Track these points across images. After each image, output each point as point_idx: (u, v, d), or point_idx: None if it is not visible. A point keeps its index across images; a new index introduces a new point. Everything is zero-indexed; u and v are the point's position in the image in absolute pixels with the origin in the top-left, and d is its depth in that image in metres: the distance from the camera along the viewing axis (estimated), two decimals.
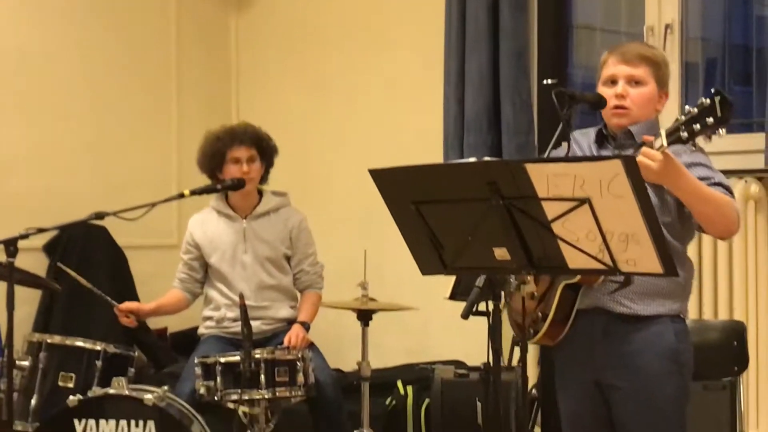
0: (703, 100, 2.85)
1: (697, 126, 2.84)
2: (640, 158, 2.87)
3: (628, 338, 3.22)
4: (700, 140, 2.91)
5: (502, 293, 3.00)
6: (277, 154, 4.96)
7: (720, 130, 2.85)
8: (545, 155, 3.18)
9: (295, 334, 4.66)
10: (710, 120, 2.82)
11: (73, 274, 4.62)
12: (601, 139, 3.35)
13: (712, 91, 2.85)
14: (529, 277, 3.02)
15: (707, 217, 3.08)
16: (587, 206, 2.73)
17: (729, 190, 3.14)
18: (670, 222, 3.18)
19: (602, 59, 3.39)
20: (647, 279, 3.14)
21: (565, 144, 3.30)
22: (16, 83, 5.78)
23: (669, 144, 2.89)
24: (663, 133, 2.91)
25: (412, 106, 6.04)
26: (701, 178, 3.08)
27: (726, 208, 3.07)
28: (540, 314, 3.25)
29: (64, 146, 5.96)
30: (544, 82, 3.69)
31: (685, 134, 2.86)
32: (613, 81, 3.30)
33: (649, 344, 3.20)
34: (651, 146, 2.92)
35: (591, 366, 3.27)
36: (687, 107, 2.88)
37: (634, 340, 3.21)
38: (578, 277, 3.16)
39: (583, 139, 3.38)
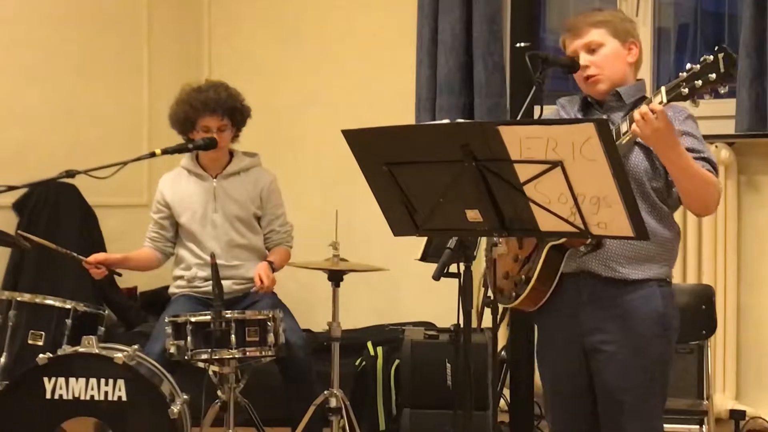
0: (706, 56, 2.83)
1: (699, 82, 2.83)
2: (637, 118, 2.87)
3: (616, 302, 3.21)
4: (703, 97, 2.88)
5: (490, 255, 3.00)
6: (250, 117, 4.93)
7: (722, 86, 2.83)
8: (517, 118, 3.18)
9: (265, 274, 4.66)
10: (712, 76, 2.81)
11: (34, 238, 4.60)
12: (587, 106, 3.34)
13: (716, 47, 2.83)
14: (500, 240, 3.02)
15: (689, 194, 3.08)
16: (559, 169, 2.73)
17: (715, 167, 3.13)
18: (660, 187, 3.17)
19: (560, 42, 3.39)
20: (635, 243, 3.14)
21: (554, 107, 3.30)
22: None
23: (669, 101, 2.88)
24: (663, 89, 2.90)
25: (384, 67, 6.03)
26: (689, 149, 3.06)
27: (710, 187, 3.06)
28: (523, 277, 3.25)
29: (34, 106, 5.92)
30: (517, 45, 3.70)
31: (686, 90, 2.84)
32: (576, 57, 3.29)
33: (636, 308, 3.20)
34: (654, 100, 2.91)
35: (577, 330, 3.26)
36: (689, 64, 2.86)
37: (622, 303, 3.21)
38: (564, 238, 3.16)
39: (569, 105, 3.37)
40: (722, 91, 2.84)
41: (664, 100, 2.88)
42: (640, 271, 3.21)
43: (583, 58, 3.27)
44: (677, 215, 4.91)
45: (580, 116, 3.32)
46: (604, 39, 3.27)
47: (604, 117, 3.17)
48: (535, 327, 3.47)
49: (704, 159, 3.10)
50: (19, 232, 4.75)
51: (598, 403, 3.29)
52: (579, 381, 3.30)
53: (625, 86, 3.27)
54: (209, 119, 4.76)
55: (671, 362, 3.29)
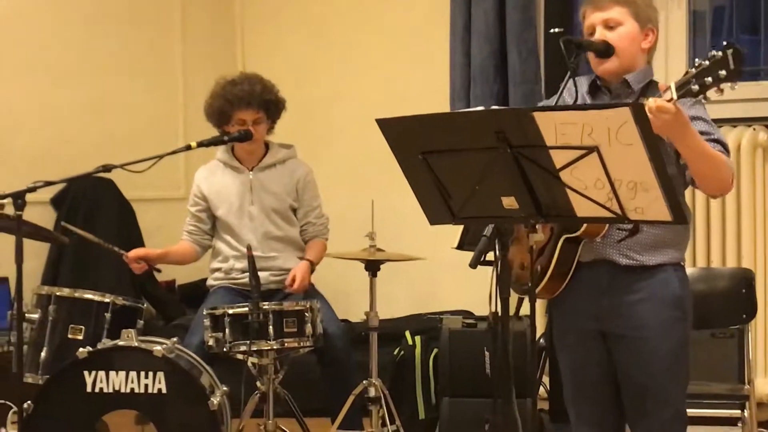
0: (715, 52, 2.81)
1: (709, 79, 2.81)
2: (651, 107, 2.85)
3: (634, 287, 3.22)
4: (710, 93, 2.87)
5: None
6: (285, 109, 4.93)
7: (732, 83, 2.82)
8: (553, 104, 3.16)
9: (300, 276, 4.68)
10: (722, 73, 2.79)
11: (77, 230, 4.63)
12: (595, 90, 3.32)
13: (724, 43, 2.81)
14: (538, 226, 3.01)
15: (704, 175, 3.07)
16: (595, 154, 2.72)
17: (726, 148, 3.13)
18: (675, 173, 3.15)
19: (581, 14, 3.36)
20: (651, 229, 3.15)
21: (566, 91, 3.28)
22: (21, 41, 5.76)
23: (679, 97, 2.87)
24: (673, 86, 2.88)
25: (418, 56, 6.02)
26: (700, 133, 3.06)
27: (723, 167, 3.06)
28: (539, 267, 3.25)
29: (71, 100, 5.95)
30: (551, 30, 3.68)
31: (696, 87, 2.83)
32: (591, 32, 3.27)
33: (654, 293, 3.21)
34: (665, 95, 2.90)
35: (595, 317, 3.26)
36: (697, 60, 2.85)
37: (640, 289, 3.21)
38: (581, 230, 3.15)
39: (574, 89, 3.34)
40: (732, 88, 2.82)
41: (675, 97, 2.86)
42: (656, 257, 3.21)
43: (600, 32, 3.24)
44: (718, 199, 4.90)
45: (587, 99, 3.30)
46: (624, 18, 3.24)
47: (642, 102, 3.15)
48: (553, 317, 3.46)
49: (715, 140, 3.10)
50: (63, 223, 4.76)
51: (621, 390, 3.29)
52: (600, 369, 3.29)
53: (634, 72, 3.25)
54: (244, 112, 4.77)
55: (689, 345, 3.28)
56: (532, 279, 3.14)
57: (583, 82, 3.34)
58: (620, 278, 3.22)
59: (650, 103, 2.88)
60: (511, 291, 3.07)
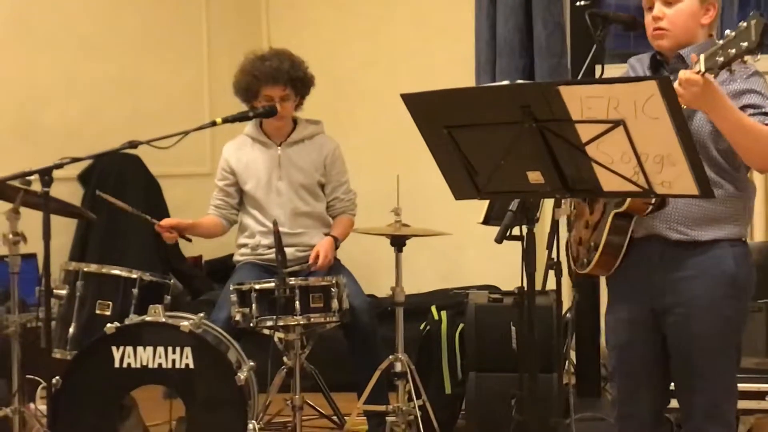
0: (742, 23, 2.78)
1: (732, 51, 2.77)
2: (681, 78, 2.82)
3: (686, 264, 3.17)
4: (736, 65, 2.83)
5: (565, 218, 2.96)
6: (314, 85, 4.92)
7: (753, 55, 2.78)
8: (579, 77, 3.15)
9: (323, 253, 4.69)
10: (744, 44, 2.75)
11: (111, 199, 4.63)
12: (656, 64, 3.28)
13: (750, 13, 2.79)
14: (564, 201, 3.00)
15: (745, 149, 3.01)
16: (622, 128, 2.71)
17: None
18: (726, 148, 3.09)
19: None
20: (702, 203, 3.10)
21: (616, 66, 3.22)
22: (48, 19, 5.78)
23: (706, 69, 2.83)
24: (702, 58, 2.84)
25: (443, 30, 6.00)
26: (751, 106, 3.02)
27: (766, 141, 2.99)
28: (593, 243, 3.22)
29: (97, 78, 5.97)
30: (577, 3, 3.66)
31: (721, 59, 2.79)
32: (650, 6, 3.21)
33: (707, 269, 3.16)
34: (694, 68, 2.86)
35: (648, 293, 3.22)
36: (727, 31, 2.82)
37: (692, 265, 3.17)
38: (625, 205, 3.12)
39: (638, 65, 3.31)
40: (756, 60, 2.78)
41: (703, 69, 2.82)
42: (710, 232, 3.16)
43: (658, 8, 3.18)
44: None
45: (648, 74, 3.26)
46: None
47: (669, 76, 3.11)
48: (606, 291, 3.44)
49: (766, 113, 3.04)
50: (98, 192, 4.76)
51: (672, 366, 3.25)
52: (646, 348, 3.26)
53: (690, 47, 3.17)
54: (272, 89, 4.76)
55: (744, 323, 3.25)
56: (557, 253, 3.13)
57: (645, 59, 3.30)
58: (672, 254, 3.18)
59: (681, 75, 2.85)
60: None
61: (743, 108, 3.02)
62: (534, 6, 5.45)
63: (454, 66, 5.78)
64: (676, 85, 2.83)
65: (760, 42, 2.74)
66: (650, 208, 3.12)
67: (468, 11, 5.70)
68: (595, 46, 3.17)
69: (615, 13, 3.26)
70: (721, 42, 2.81)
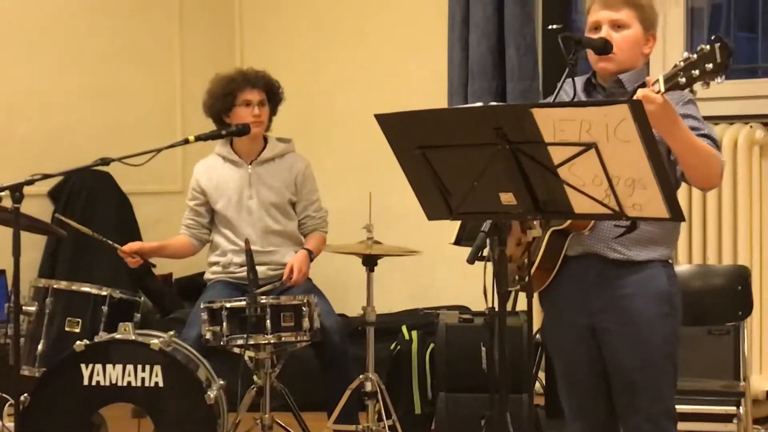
0: (703, 46, 2.83)
1: (696, 72, 2.81)
2: (638, 96, 2.86)
3: (622, 282, 3.23)
4: (697, 86, 2.88)
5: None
6: (282, 100, 4.97)
7: (719, 77, 2.82)
8: (551, 100, 3.17)
9: (298, 268, 4.69)
10: (709, 66, 2.79)
11: (73, 223, 4.63)
12: (590, 88, 3.34)
13: (712, 37, 2.83)
14: (535, 222, 3.02)
15: (694, 168, 3.07)
16: (593, 151, 2.72)
17: (716, 143, 3.13)
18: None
19: (587, 5, 3.37)
20: (642, 226, 3.16)
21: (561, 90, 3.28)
22: (21, 31, 5.76)
23: (666, 90, 2.88)
24: (661, 78, 2.89)
25: (416, 51, 6.02)
26: (691, 128, 3.07)
27: (713, 160, 3.06)
28: (526, 261, 3.25)
29: (69, 93, 5.95)
30: (549, 27, 3.68)
31: (683, 80, 2.83)
32: (597, 27, 3.28)
33: (642, 287, 3.22)
34: (653, 87, 2.91)
35: (585, 311, 3.27)
36: (686, 53, 2.86)
37: (628, 283, 3.22)
38: (566, 222, 3.17)
39: (569, 87, 3.36)
40: (718, 82, 2.82)
41: (662, 89, 2.87)
42: (645, 252, 3.23)
43: (606, 31, 3.25)
44: (713, 196, 4.91)
45: (582, 96, 3.31)
46: (631, 21, 3.26)
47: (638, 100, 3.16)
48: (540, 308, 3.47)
49: (705, 135, 3.10)
50: (57, 215, 4.77)
51: (611, 384, 3.29)
52: (591, 363, 3.30)
53: (628, 73, 3.26)
54: (249, 92, 4.81)
55: (679, 341, 3.30)
56: (529, 273, 3.15)
57: (578, 82, 3.35)
58: (608, 272, 3.24)
59: (639, 92, 2.89)
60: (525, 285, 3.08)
61: None
62: (506, 29, 5.48)
63: (427, 87, 5.80)
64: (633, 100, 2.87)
65: (725, 64, 2.78)
66: (622, 230, 3.16)
67: (441, 33, 5.72)
68: (567, 69, 3.19)
69: (587, 38, 3.28)
70: (681, 63, 2.85)
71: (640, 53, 3.29)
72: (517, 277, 3.29)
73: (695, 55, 2.83)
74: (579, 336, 3.30)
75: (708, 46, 2.81)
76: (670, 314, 3.26)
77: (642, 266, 3.23)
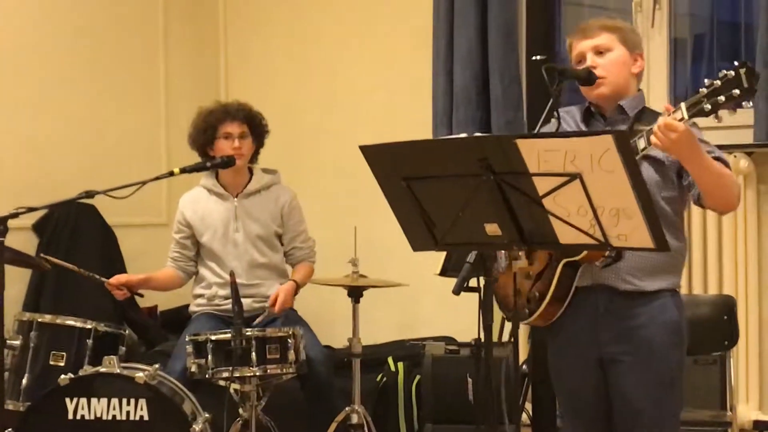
0: (726, 72, 2.83)
1: (722, 98, 2.83)
2: (660, 124, 2.87)
3: (632, 312, 3.24)
4: (723, 112, 2.89)
5: (493, 271, 3.00)
6: (268, 135, 4.97)
7: (746, 101, 2.83)
8: (535, 131, 3.18)
9: (282, 298, 4.68)
10: (736, 92, 2.81)
11: (58, 261, 4.62)
12: (589, 117, 3.35)
13: (736, 63, 2.84)
14: (521, 253, 3.02)
15: (713, 193, 3.10)
16: (578, 181, 2.73)
17: (728, 165, 3.16)
18: (673, 196, 3.21)
19: (567, 45, 3.40)
20: (649, 255, 3.15)
21: (554, 120, 3.30)
22: (3, 64, 5.75)
23: (690, 116, 2.89)
24: (683, 105, 2.90)
25: (401, 82, 6.03)
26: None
27: (730, 182, 3.10)
28: (537, 294, 3.25)
29: (53, 125, 5.94)
30: (533, 57, 3.70)
31: (708, 106, 2.85)
32: (581, 59, 3.31)
33: (653, 318, 3.23)
34: (674, 115, 2.92)
35: (594, 342, 3.28)
36: (707, 80, 2.87)
37: (639, 314, 3.23)
38: (582, 254, 3.16)
39: (569, 117, 3.37)
40: (749, 107, 2.84)
41: (686, 117, 2.89)
42: (655, 283, 3.24)
43: (590, 59, 3.28)
44: (698, 225, 4.92)
45: (582, 127, 3.32)
46: (613, 44, 3.29)
47: (625, 130, 3.17)
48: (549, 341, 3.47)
49: (717, 158, 3.12)
50: (41, 255, 4.76)
51: (615, 414, 3.30)
52: (596, 393, 3.31)
53: (628, 99, 3.29)
54: (230, 125, 4.81)
55: (684, 370, 3.31)
56: (516, 308, 3.14)
57: (576, 112, 3.36)
58: (618, 303, 3.24)
59: (661, 120, 2.90)
60: (501, 316, 3.08)
61: None
62: (491, 59, 5.49)
63: (412, 117, 5.81)
64: (654, 128, 2.89)
65: (752, 89, 2.80)
66: (607, 260, 3.16)
67: (426, 63, 5.73)
68: (551, 99, 3.20)
69: (571, 68, 3.30)
70: (704, 90, 2.87)
71: (630, 74, 3.31)
72: (527, 311, 3.28)
73: (718, 81, 2.84)
74: (587, 366, 3.31)
75: (732, 72, 2.82)
76: (678, 344, 3.28)
77: (652, 296, 3.24)
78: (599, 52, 3.28)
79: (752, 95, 2.83)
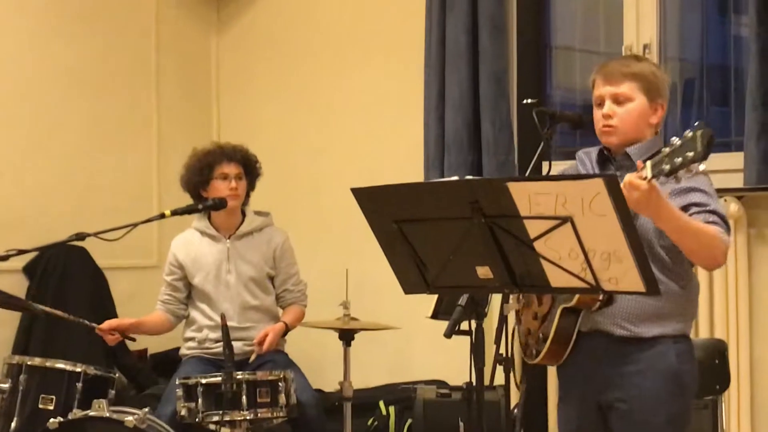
0: (688, 132, 2.79)
1: (678, 159, 2.77)
2: (625, 182, 2.84)
3: (630, 359, 3.21)
4: (681, 173, 2.86)
5: (514, 312, 2.99)
6: (260, 178, 4.98)
7: (699, 164, 2.80)
8: (527, 174, 3.18)
9: (270, 338, 4.67)
10: (690, 154, 2.75)
11: (48, 309, 4.61)
12: (603, 159, 3.33)
13: (696, 123, 2.81)
14: (512, 296, 3.02)
15: (689, 249, 3.05)
16: (569, 225, 2.73)
17: (723, 219, 3.10)
18: (669, 245, 3.13)
19: (591, 78, 3.34)
20: (645, 300, 3.12)
21: (563, 163, 3.27)
22: None
23: (653, 176, 2.84)
24: (648, 164, 2.85)
25: (393, 125, 6.05)
26: (696, 204, 3.06)
27: (710, 240, 3.02)
28: (541, 335, 3.25)
29: (44, 167, 5.94)
30: (524, 101, 3.71)
31: (667, 167, 2.80)
32: (600, 102, 3.27)
33: (650, 365, 3.20)
34: (640, 173, 2.89)
35: (593, 386, 3.27)
36: (673, 138, 2.83)
37: (636, 360, 3.20)
38: (574, 300, 3.15)
39: (586, 159, 3.36)
40: (701, 169, 2.80)
41: (649, 176, 2.85)
42: (653, 329, 3.20)
43: (608, 107, 3.23)
44: None
45: (597, 168, 3.30)
46: (634, 94, 3.23)
47: (616, 174, 3.15)
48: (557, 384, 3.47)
49: (710, 212, 3.08)
50: (30, 303, 4.75)
51: None
52: None
53: (637, 145, 3.23)
54: (227, 166, 4.82)
55: (688, 421, 3.27)
56: (506, 348, 3.14)
57: (593, 153, 3.34)
58: (616, 349, 3.22)
59: (626, 178, 2.88)
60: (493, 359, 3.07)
61: (688, 206, 3.07)
62: (482, 103, 5.51)
63: (404, 160, 5.82)
64: (622, 185, 2.86)
65: (705, 153, 2.74)
66: (598, 304, 3.15)
67: (417, 107, 5.76)
68: (542, 143, 3.21)
69: (561, 112, 3.31)
70: (667, 150, 2.81)
71: (647, 124, 3.25)
72: (535, 351, 3.28)
73: (679, 141, 2.79)
74: (587, 411, 3.29)
75: (691, 133, 2.78)
76: (678, 393, 3.22)
77: (651, 343, 3.20)
78: (618, 101, 3.23)
79: (704, 159, 2.77)
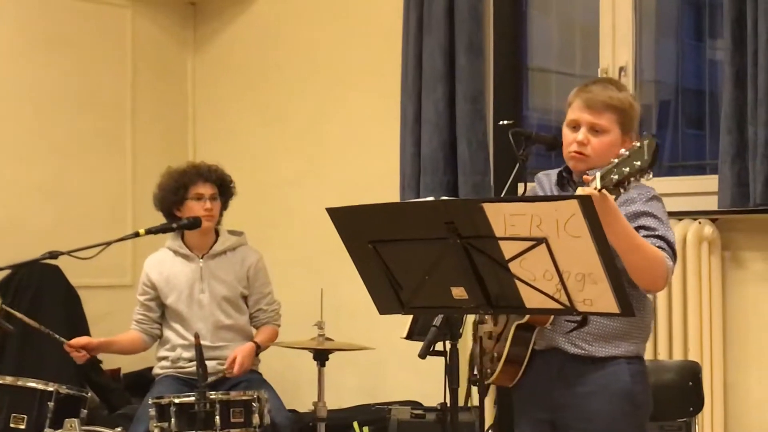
0: (635, 143, 2.82)
1: (626, 169, 2.80)
2: (579, 192, 2.86)
3: (583, 379, 3.21)
4: (634, 183, 2.86)
5: (476, 334, 2.99)
6: (234, 195, 4.97)
7: (647, 174, 2.81)
8: (502, 195, 3.19)
9: (240, 361, 4.65)
10: (637, 164, 2.78)
11: (19, 315, 4.58)
12: (563, 181, 3.34)
13: (643, 133, 2.83)
14: (488, 317, 3.02)
15: (633, 267, 3.03)
16: (544, 246, 2.73)
17: (670, 245, 3.11)
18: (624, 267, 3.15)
19: (569, 98, 3.33)
20: (603, 320, 3.14)
21: (532, 184, 3.28)
22: None
23: (602, 187, 2.86)
24: (598, 175, 2.87)
25: (369, 146, 6.06)
26: (645, 227, 3.08)
27: (654, 262, 3.04)
28: (495, 354, 3.25)
29: (18, 185, 5.92)
30: (500, 122, 3.72)
31: (615, 177, 2.81)
32: (575, 126, 3.26)
33: (603, 386, 3.19)
34: (588, 185, 2.90)
35: (548, 406, 3.26)
36: (621, 150, 2.86)
37: (589, 381, 3.20)
38: (527, 317, 3.16)
39: (546, 180, 3.37)
40: (647, 179, 2.82)
41: (598, 186, 2.86)
42: (607, 349, 3.20)
43: (584, 134, 3.22)
44: (663, 292, 4.93)
45: (556, 191, 3.32)
46: (611, 126, 3.23)
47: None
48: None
49: (658, 236, 3.09)
50: (3, 306, 4.71)
51: None
52: None
53: (595, 169, 3.22)
54: (202, 186, 4.81)
55: None
56: (480, 369, 3.14)
57: (552, 175, 3.35)
58: (570, 368, 3.22)
59: (578, 191, 2.88)
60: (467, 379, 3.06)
61: (637, 228, 3.07)
62: (458, 124, 5.53)
63: (380, 181, 5.83)
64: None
65: (652, 162, 2.77)
66: (574, 325, 3.15)
67: (393, 128, 5.77)
68: (517, 164, 3.21)
69: (537, 134, 3.32)
70: (615, 161, 2.84)
71: (614, 155, 3.26)
72: (489, 371, 3.27)
73: (627, 152, 2.82)
74: (541, 430, 3.27)
75: (638, 144, 2.80)
76: (632, 413, 3.22)
77: (604, 363, 3.19)
78: (595, 130, 3.23)
79: (651, 168, 2.79)
